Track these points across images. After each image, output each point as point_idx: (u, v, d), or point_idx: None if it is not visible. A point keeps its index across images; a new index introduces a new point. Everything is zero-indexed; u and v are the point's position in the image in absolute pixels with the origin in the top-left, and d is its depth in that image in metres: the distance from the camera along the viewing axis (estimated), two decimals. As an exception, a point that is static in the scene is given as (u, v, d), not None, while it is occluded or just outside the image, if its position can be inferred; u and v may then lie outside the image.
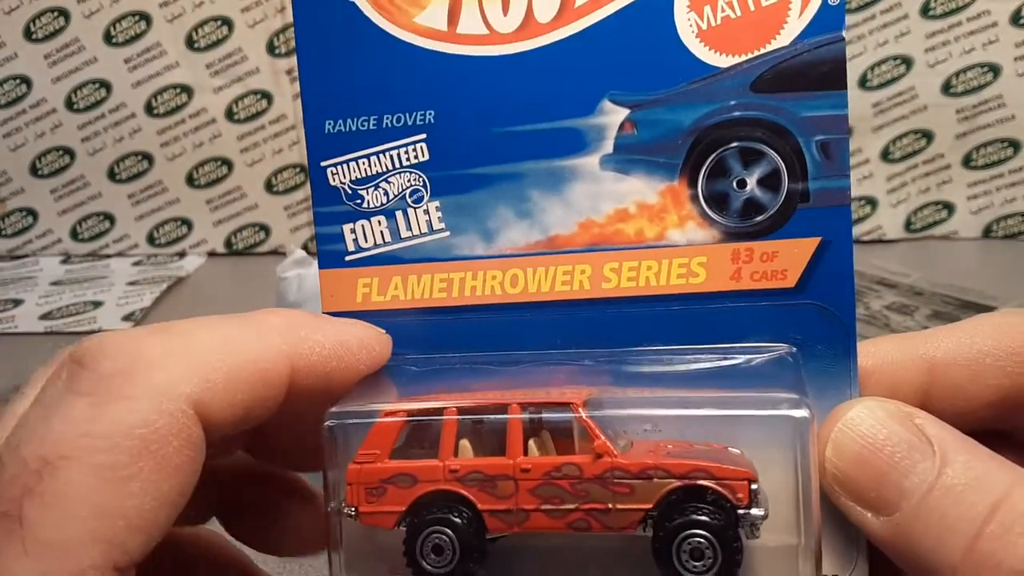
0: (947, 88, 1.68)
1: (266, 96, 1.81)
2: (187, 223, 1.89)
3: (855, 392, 0.50)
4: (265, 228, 1.88)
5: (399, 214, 0.52)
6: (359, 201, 0.52)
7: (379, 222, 0.52)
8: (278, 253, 1.75)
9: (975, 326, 0.49)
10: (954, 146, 1.71)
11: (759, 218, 0.49)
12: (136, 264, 1.86)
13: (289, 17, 1.71)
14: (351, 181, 0.52)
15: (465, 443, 0.49)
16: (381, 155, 0.52)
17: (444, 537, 0.48)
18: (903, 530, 0.41)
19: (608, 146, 0.50)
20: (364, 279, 0.52)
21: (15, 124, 1.85)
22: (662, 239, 0.49)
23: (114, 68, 1.81)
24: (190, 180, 1.87)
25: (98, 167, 1.87)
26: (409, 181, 0.52)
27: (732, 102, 0.49)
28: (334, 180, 0.52)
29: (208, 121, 1.83)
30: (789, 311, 0.50)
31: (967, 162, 1.72)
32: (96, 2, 1.78)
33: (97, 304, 1.64)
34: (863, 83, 1.70)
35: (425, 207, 0.51)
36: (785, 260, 0.49)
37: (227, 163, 1.85)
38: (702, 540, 0.47)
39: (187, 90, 1.82)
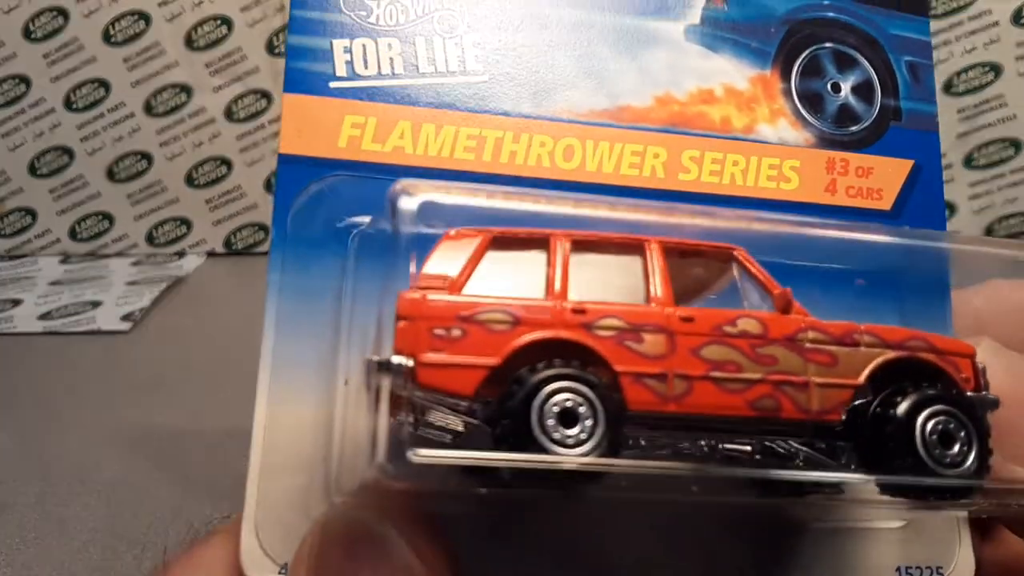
0: (948, 87, 1.67)
1: (266, 95, 1.80)
2: (186, 223, 1.88)
3: (950, 329, 0.45)
4: (265, 228, 1.87)
5: (420, 41, 0.41)
6: (364, 12, 0.41)
7: (390, 45, 0.41)
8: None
9: None
10: (955, 146, 1.70)
11: (854, 128, 0.45)
12: (135, 264, 1.84)
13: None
14: None
15: (574, 293, 0.37)
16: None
17: (579, 399, 0.35)
18: None
19: (695, 16, 0.44)
20: (355, 118, 0.41)
21: (14, 124, 1.84)
22: (751, 132, 0.44)
23: (113, 67, 1.80)
24: (189, 180, 1.85)
25: (97, 167, 1.85)
26: (443, 1, 0.41)
27: (826, 1, 0.45)
28: None
29: (207, 120, 1.82)
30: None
31: (968, 162, 1.71)
32: (95, 1, 1.77)
33: (96, 304, 1.63)
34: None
35: (459, 39, 0.41)
36: (880, 178, 0.44)
37: (226, 162, 1.84)
38: (952, 421, 0.37)
39: (186, 89, 1.81)
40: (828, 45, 0.45)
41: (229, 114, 1.81)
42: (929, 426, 0.36)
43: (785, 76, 0.45)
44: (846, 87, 0.45)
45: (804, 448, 0.38)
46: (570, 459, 0.33)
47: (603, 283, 0.38)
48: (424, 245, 0.37)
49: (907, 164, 0.44)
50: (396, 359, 0.34)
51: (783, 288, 0.38)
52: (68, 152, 1.85)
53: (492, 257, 0.37)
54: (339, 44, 0.40)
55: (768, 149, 0.44)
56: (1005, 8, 1.63)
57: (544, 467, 0.33)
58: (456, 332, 0.34)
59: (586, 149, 0.42)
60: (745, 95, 0.44)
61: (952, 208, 1.74)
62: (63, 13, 1.78)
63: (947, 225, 0.48)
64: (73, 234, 1.89)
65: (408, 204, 0.35)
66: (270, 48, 1.78)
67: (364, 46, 0.40)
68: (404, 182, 0.36)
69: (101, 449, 1.14)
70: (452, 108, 0.41)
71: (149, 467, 1.10)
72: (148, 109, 1.82)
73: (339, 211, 0.43)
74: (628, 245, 0.38)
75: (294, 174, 0.43)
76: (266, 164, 1.84)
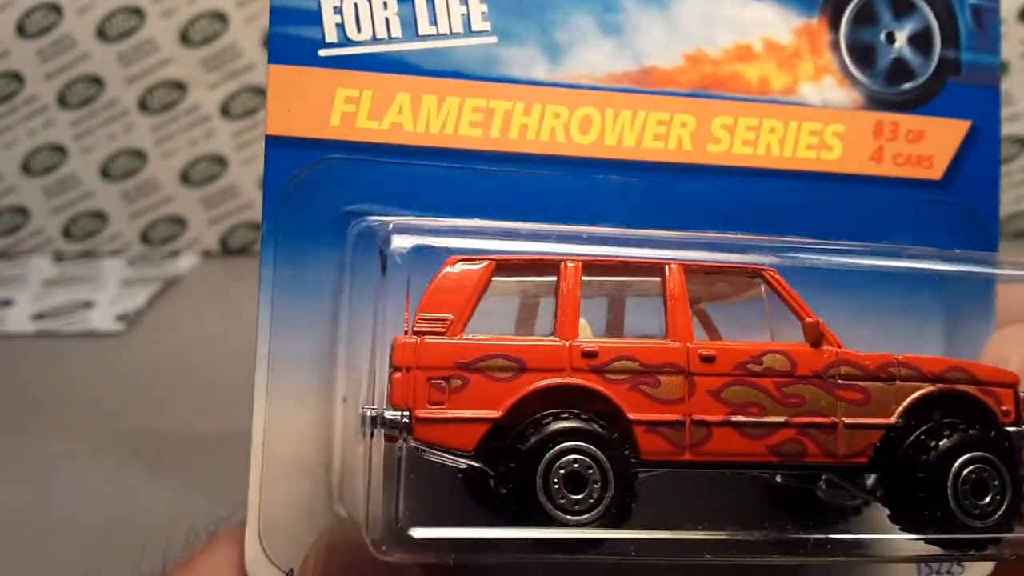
0: (953, 85, 1.66)
1: (261, 92, 1.78)
2: (181, 221, 1.86)
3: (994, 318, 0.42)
4: (260, 227, 1.85)
5: None
6: None
7: (385, 4, 0.37)
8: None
9: None
10: (961, 144, 1.69)
11: (907, 85, 0.41)
12: (129, 263, 1.83)
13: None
14: None
15: (584, 323, 0.34)
16: None
17: (587, 460, 0.31)
18: None
19: None
20: (348, 90, 0.36)
21: (6, 121, 1.82)
22: (792, 93, 0.40)
23: (107, 64, 1.78)
24: (184, 178, 1.84)
25: (91, 164, 1.84)
26: None
27: (885, -62, 0.40)
28: None
29: (202, 118, 1.80)
30: (932, 210, 0.39)
31: (974, 160, 1.70)
32: (88, -3, 1.75)
33: (90, 304, 1.62)
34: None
35: None
36: (932, 143, 0.41)
37: (222, 160, 1.82)
38: (988, 468, 0.34)
39: (181, 86, 1.79)
40: None
41: (224, 111, 1.80)
42: (964, 474, 0.34)
43: (834, 25, 0.40)
44: (902, 37, 0.41)
45: (834, 477, 0.36)
46: (576, 532, 0.30)
47: (612, 318, 0.35)
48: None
49: (964, 126, 0.41)
50: (391, 414, 0.30)
51: (815, 317, 0.35)
52: (61, 150, 1.83)
53: (497, 286, 0.34)
54: (328, 3, 0.35)
55: (809, 113, 0.40)
56: (1011, 5, 1.61)
57: (549, 538, 0.30)
58: (456, 382, 0.31)
59: (605, 119, 0.38)
60: (787, 50, 0.39)
61: (958, 206, 1.73)
62: (57, 9, 1.76)
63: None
64: (66, 233, 1.87)
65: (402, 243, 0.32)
66: (266, 44, 1.76)
67: (356, 5, 0.35)
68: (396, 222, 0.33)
69: (95, 450, 1.14)
70: (456, 76, 0.36)
71: (144, 468, 1.09)
72: (142, 106, 1.80)
73: (335, 199, 0.40)
74: (646, 267, 0.35)
75: (283, 158, 0.39)
76: (262, 162, 1.82)
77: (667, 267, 0.34)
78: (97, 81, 1.79)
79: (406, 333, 0.32)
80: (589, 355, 0.32)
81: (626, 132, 0.38)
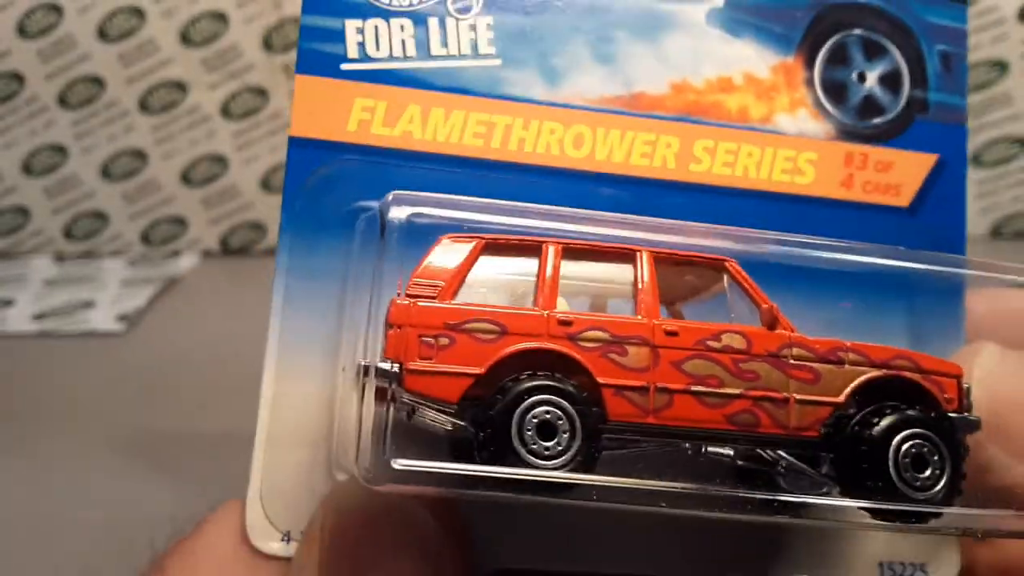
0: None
1: (262, 93, 1.78)
2: (182, 222, 1.86)
3: (963, 333, 0.45)
4: (261, 227, 1.86)
5: (433, 22, 0.41)
6: None
7: (402, 27, 0.41)
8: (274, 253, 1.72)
9: None
10: (961, 144, 1.69)
11: (877, 120, 0.44)
12: (130, 264, 1.83)
13: (286, 12, 1.68)
14: None
15: (563, 300, 0.38)
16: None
17: (558, 412, 0.36)
18: None
19: None
20: (365, 100, 0.41)
21: (7, 121, 1.82)
22: (769, 122, 0.43)
23: (107, 64, 1.79)
24: (185, 178, 1.84)
25: (91, 165, 1.84)
26: None
27: (858, -15, 0.43)
28: None
29: (203, 118, 1.80)
30: (900, 234, 0.43)
31: (976, 160, 1.70)
32: (89, -3, 1.75)
33: (90, 304, 1.62)
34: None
35: (473, 21, 0.41)
36: (900, 173, 0.44)
37: (222, 161, 1.82)
38: (927, 445, 0.37)
39: (181, 86, 1.79)
40: (857, 32, 0.44)
41: (225, 111, 1.80)
42: (904, 449, 0.37)
43: (809, 64, 0.43)
44: (873, 77, 0.44)
45: (786, 456, 0.39)
46: (544, 473, 0.34)
47: (592, 290, 0.39)
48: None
49: (931, 159, 0.44)
50: (384, 364, 0.34)
51: (770, 303, 0.39)
52: (62, 150, 1.83)
53: (484, 263, 0.38)
54: (352, 24, 0.40)
55: (785, 140, 0.43)
56: (1012, 4, 1.61)
57: (521, 478, 0.34)
58: (444, 340, 0.35)
59: (596, 137, 0.41)
60: (765, 83, 0.43)
61: (958, 206, 1.73)
62: (57, 9, 1.76)
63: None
64: (67, 233, 1.88)
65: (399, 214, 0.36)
66: (266, 44, 1.76)
67: (376, 27, 0.40)
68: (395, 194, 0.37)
69: (95, 450, 1.14)
70: (463, 92, 0.41)
71: (144, 469, 1.09)
72: (143, 106, 1.80)
73: (347, 195, 0.44)
74: (619, 254, 0.39)
75: (304, 157, 0.43)
76: (263, 162, 1.83)
77: (639, 253, 0.37)
78: (98, 81, 1.79)
79: (398, 295, 0.35)
80: (564, 323, 0.36)
81: (615, 149, 0.41)
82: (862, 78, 0.44)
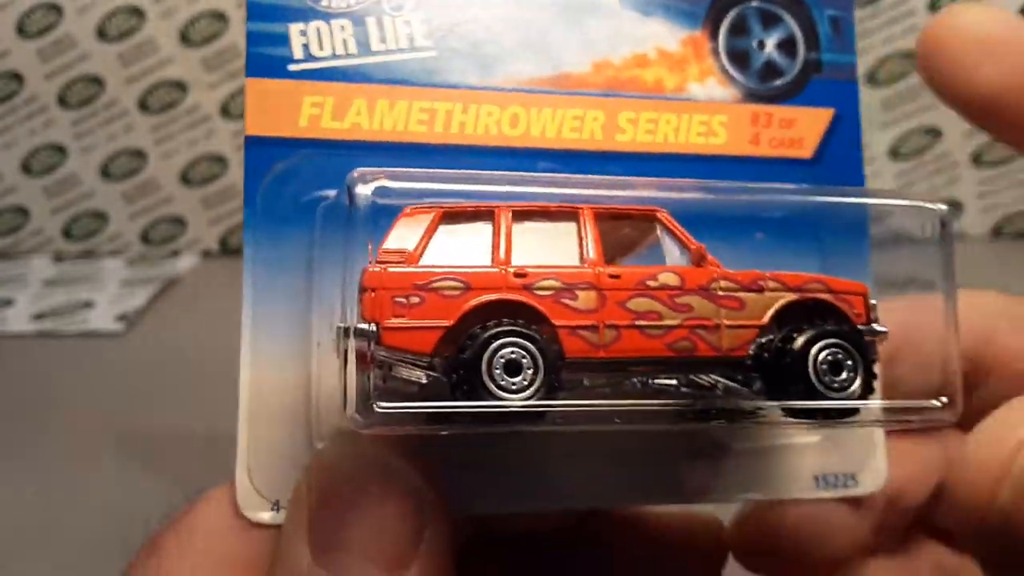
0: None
1: (262, 92, 1.78)
2: (181, 221, 1.86)
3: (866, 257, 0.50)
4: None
5: (371, 21, 0.44)
6: None
7: (343, 27, 0.44)
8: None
9: None
10: (962, 143, 1.69)
11: (778, 82, 0.49)
12: (129, 263, 1.83)
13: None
14: None
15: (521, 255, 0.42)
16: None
17: (522, 351, 0.40)
18: None
19: None
20: (313, 98, 0.44)
21: (6, 121, 1.83)
22: (682, 91, 0.48)
23: (107, 64, 1.79)
24: (184, 178, 1.84)
25: (90, 165, 1.84)
26: None
27: (754, -38, 0.48)
28: None
29: (203, 118, 1.80)
30: (805, 181, 0.48)
31: (976, 159, 1.70)
32: (88, -3, 1.76)
33: (90, 304, 1.62)
34: (872, 79, 1.67)
35: (407, 17, 0.44)
36: (802, 128, 0.49)
37: (222, 160, 1.82)
38: (841, 351, 0.43)
39: (181, 86, 1.79)
40: (754, 4, 0.49)
41: (225, 111, 1.80)
42: (821, 357, 0.42)
43: (713, 36, 0.48)
44: (771, 43, 0.49)
45: (723, 380, 0.44)
46: (513, 403, 0.39)
47: (543, 248, 0.43)
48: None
49: (828, 113, 0.48)
50: (362, 325, 0.38)
51: (698, 244, 0.44)
52: (61, 150, 1.83)
53: (444, 230, 0.42)
54: (295, 28, 0.43)
55: (698, 107, 0.47)
56: (1014, 2, 1.61)
57: (492, 410, 0.39)
58: (414, 299, 0.39)
59: (530, 116, 0.46)
60: (676, 56, 0.47)
61: (959, 206, 1.73)
62: (57, 9, 1.76)
63: (867, 181, 0.52)
64: (66, 233, 1.88)
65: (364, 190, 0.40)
66: (267, 44, 1.76)
67: (319, 28, 0.44)
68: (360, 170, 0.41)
69: (95, 450, 1.13)
70: (404, 83, 0.44)
71: (144, 469, 1.09)
72: (142, 106, 1.81)
73: (304, 187, 0.47)
74: (564, 213, 0.43)
75: (260, 155, 0.46)
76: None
77: (581, 211, 0.43)
78: (97, 81, 1.79)
79: (370, 263, 0.39)
80: (520, 275, 0.41)
81: (548, 125, 0.46)
82: (762, 45, 0.48)
